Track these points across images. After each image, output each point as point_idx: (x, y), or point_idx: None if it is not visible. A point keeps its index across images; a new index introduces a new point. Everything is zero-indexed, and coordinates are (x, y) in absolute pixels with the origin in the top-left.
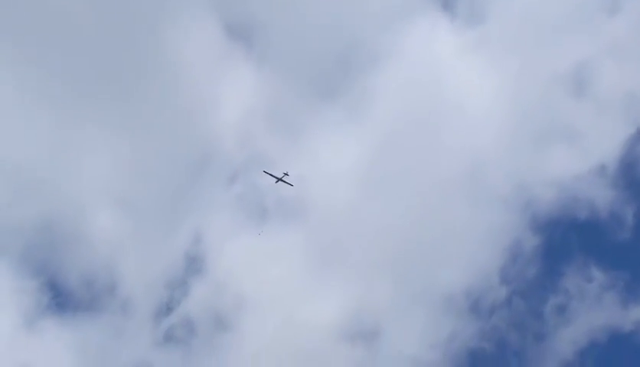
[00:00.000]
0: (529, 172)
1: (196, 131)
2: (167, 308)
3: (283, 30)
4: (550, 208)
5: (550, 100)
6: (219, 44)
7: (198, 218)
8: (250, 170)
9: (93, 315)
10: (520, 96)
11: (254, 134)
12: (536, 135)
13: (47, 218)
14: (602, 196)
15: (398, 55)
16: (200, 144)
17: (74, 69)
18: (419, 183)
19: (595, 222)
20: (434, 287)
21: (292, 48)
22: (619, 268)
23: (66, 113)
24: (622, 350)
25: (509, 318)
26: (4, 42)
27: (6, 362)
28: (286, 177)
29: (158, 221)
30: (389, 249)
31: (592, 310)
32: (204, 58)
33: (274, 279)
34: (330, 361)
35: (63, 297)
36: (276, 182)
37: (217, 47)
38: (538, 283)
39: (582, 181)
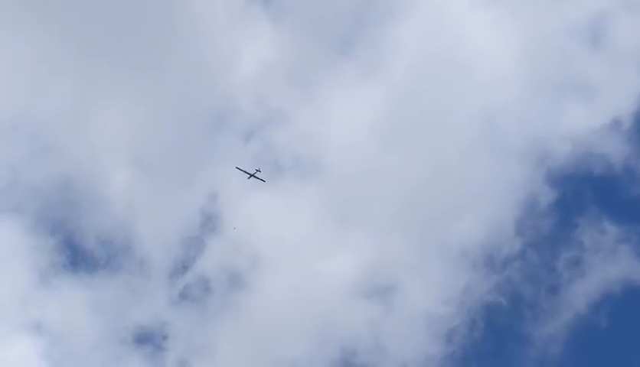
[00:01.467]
0: (544, 126)
1: (212, 89)
2: (182, 267)
3: None
4: (565, 162)
5: (565, 54)
6: (236, 0)
7: (214, 176)
8: (266, 127)
9: (108, 274)
10: (536, 50)
11: (270, 90)
12: (551, 89)
13: (63, 177)
14: (617, 151)
15: (414, 9)
16: (216, 101)
17: (89, 28)
18: (434, 138)
19: (610, 177)
20: (449, 242)
21: (308, 3)
22: (634, 222)
23: (81, 72)
24: (635, 302)
25: (523, 271)
26: (19, 2)
27: (21, 320)
28: (258, 173)
29: (173, 179)
30: (404, 205)
31: (606, 263)
32: (221, 15)
33: (289, 236)
34: (345, 317)
35: (78, 255)
36: (249, 178)
37: (233, 3)
38: (553, 236)
39: (597, 135)
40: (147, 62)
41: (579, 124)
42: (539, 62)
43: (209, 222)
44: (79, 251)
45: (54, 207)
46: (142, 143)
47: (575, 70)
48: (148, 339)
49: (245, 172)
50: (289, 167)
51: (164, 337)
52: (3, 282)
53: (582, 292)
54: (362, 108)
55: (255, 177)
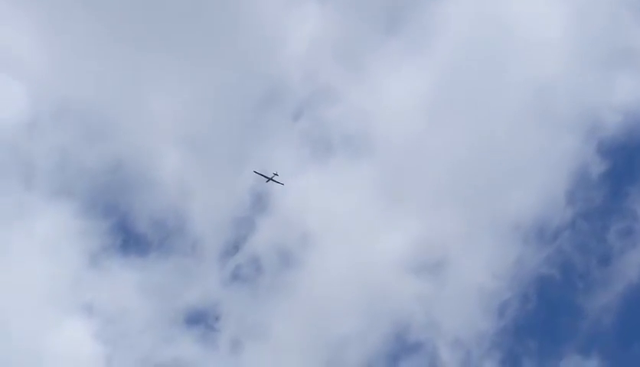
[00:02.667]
0: (595, 97)
1: (261, 68)
2: (233, 247)
3: None
4: (616, 133)
5: (617, 23)
6: None
7: (264, 155)
8: (315, 105)
9: (160, 256)
10: (586, 20)
11: (319, 68)
12: (602, 60)
13: (114, 159)
14: None
15: None
16: (265, 80)
17: (139, 9)
18: (485, 112)
19: None
20: (500, 216)
21: None
22: None
23: (132, 53)
24: None
25: (575, 242)
26: None
27: (73, 302)
28: (276, 177)
29: (224, 159)
30: (455, 180)
31: None
32: None
33: (340, 214)
34: (397, 293)
35: (130, 238)
36: (267, 181)
37: None
38: (604, 207)
39: None
40: (196, 42)
41: (631, 94)
42: (590, 32)
43: (259, 202)
44: (130, 233)
45: (106, 189)
46: (192, 123)
47: (626, 40)
48: (200, 320)
49: (263, 176)
50: (339, 144)
51: (217, 318)
52: (55, 265)
53: (633, 262)
54: (410, 84)
55: (273, 180)
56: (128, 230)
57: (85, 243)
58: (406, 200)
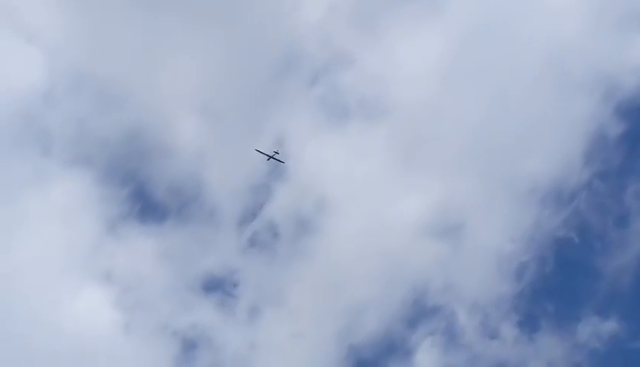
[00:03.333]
0: (612, 59)
1: (277, 34)
2: (251, 214)
3: None
4: (634, 94)
5: None
6: None
7: (280, 121)
8: (331, 70)
9: (177, 223)
10: None
11: (335, 34)
12: (619, 21)
13: (130, 127)
14: None
15: None
16: (281, 46)
17: None
18: (500, 75)
19: None
20: (517, 179)
21: None
22: None
23: (147, 21)
24: None
25: (592, 204)
26: None
27: (91, 270)
28: (277, 155)
29: (240, 126)
30: (471, 144)
31: None
32: None
33: (357, 180)
34: (414, 258)
35: (148, 205)
36: (268, 160)
37: None
38: (621, 168)
39: None
40: (212, 9)
41: None
42: None
43: (276, 168)
44: (148, 200)
45: (123, 158)
46: (208, 91)
47: None
48: (218, 287)
49: (264, 154)
50: (355, 109)
51: (235, 285)
52: (73, 233)
53: None
54: (426, 47)
55: (274, 158)
56: (146, 198)
57: (102, 211)
58: (423, 164)
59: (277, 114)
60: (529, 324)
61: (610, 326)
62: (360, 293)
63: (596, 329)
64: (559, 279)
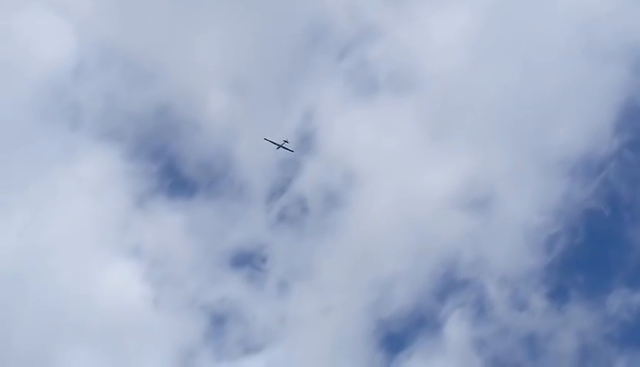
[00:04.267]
0: None
1: (306, 7)
2: (280, 189)
3: None
4: None
5: None
6: None
7: (309, 95)
8: (360, 43)
9: (206, 198)
10: None
11: (364, 6)
12: None
13: (160, 103)
14: None
15: None
16: (310, 19)
17: None
18: (530, 45)
19: None
20: (547, 150)
21: None
22: None
23: None
24: None
25: (622, 174)
26: None
27: (119, 245)
28: (286, 144)
29: (269, 100)
30: (502, 115)
31: None
32: None
33: (386, 152)
34: (443, 231)
35: (177, 181)
36: (277, 149)
37: None
38: None
39: None
40: None
41: None
42: None
43: (305, 142)
44: (177, 175)
45: (152, 133)
46: (237, 65)
47: None
48: (246, 262)
49: (274, 143)
50: (384, 82)
51: (263, 259)
52: (102, 208)
53: None
54: (455, 19)
55: (284, 147)
56: (175, 173)
57: (131, 186)
58: (452, 136)
59: (306, 88)
60: (558, 296)
61: None
62: (389, 266)
63: (626, 300)
64: (589, 251)
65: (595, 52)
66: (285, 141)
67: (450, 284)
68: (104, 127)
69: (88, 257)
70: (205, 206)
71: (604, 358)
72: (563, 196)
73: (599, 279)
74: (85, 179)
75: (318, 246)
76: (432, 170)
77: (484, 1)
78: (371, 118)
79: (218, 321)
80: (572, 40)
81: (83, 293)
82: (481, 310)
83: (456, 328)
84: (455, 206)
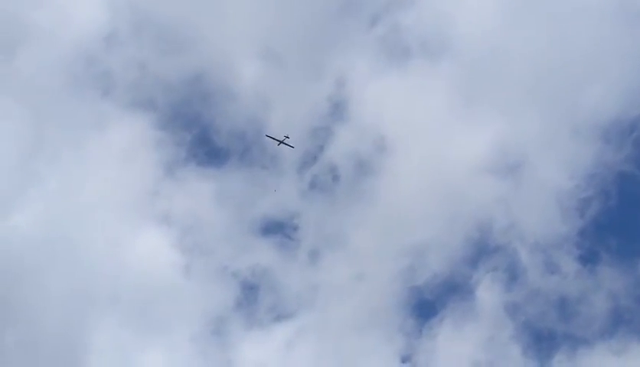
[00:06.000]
0: None
1: None
2: (312, 158)
3: None
4: None
5: None
6: None
7: (341, 63)
8: (392, 10)
9: (239, 167)
10: None
11: None
12: None
13: (193, 71)
14: None
15: None
16: None
17: None
18: (563, 10)
19: None
20: (580, 114)
21: None
22: None
23: None
24: None
25: None
26: None
27: (150, 212)
28: (287, 140)
29: (302, 69)
30: (534, 80)
31: None
32: None
33: (418, 119)
34: (475, 197)
35: (208, 149)
36: (278, 145)
37: None
38: None
39: None
40: None
41: None
42: None
43: (337, 110)
44: (209, 144)
45: (184, 101)
46: (270, 34)
47: None
48: (278, 230)
49: (275, 139)
50: (416, 49)
51: (295, 228)
52: (133, 175)
53: None
54: None
55: (284, 143)
56: (207, 141)
57: (162, 154)
58: (484, 102)
59: (338, 55)
60: (590, 259)
61: None
62: (421, 233)
63: None
64: (621, 214)
65: (626, 13)
66: (286, 137)
67: (482, 250)
68: (136, 95)
69: (119, 224)
70: (237, 175)
71: (636, 320)
72: (595, 159)
73: (631, 242)
74: (116, 146)
75: (350, 214)
76: (464, 136)
77: None
78: (403, 84)
79: (249, 289)
80: (603, 2)
81: (114, 260)
82: (513, 274)
83: (488, 293)
84: (486, 172)
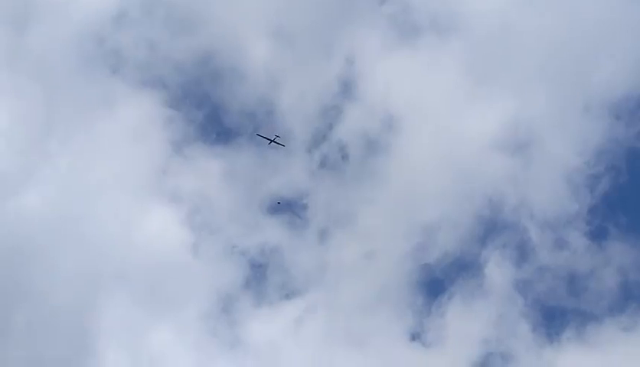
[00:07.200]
0: None
1: None
2: (322, 137)
3: None
4: None
5: None
6: None
7: (351, 41)
8: None
9: (247, 146)
10: None
11: None
12: None
13: (203, 51)
14: None
15: None
16: None
17: None
18: None
19: None
20: (590, 90)
21: None
22: None
23: None
24: None
25: None
26: None
27: (159, 190)
28: (278, 139)
29: (311, 48)
30: (544, 58)
31: None
32: None
33: (428, 96)
34: (485, 175)
35: (218, 128)
36: (269, 143)
37: None
38: None
39: None
40: None
41: None
42: None
43: (346, 89)
44: (218, 123)
45: (194, 80)
46: (279, 13)
47: None
48: (287, 209)
49: (266, 138)
50: (426, 26)
51: (304, 207)
52: (142, 153)
53: None
54: None
55: (275, 142)
56: (217, 120)
57: (173, 132)
58: (495, 79)
59: (347, 34)
60: (600, 235)
61: None
62: (431, 211)
63: None
64: (631, 190)
65: None
66: (277, 136)
67: (492, 227)
68: (145, 74)
69: (128, 202)
70: (246, 154)
71: None
72: (606, 136)
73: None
74: (125, 125)
75: (360, 193)
76: (474, 114)
77: None
78: (413, 62)
79: (258, 267)
80: None
81: (123, 238)
82: (522, 251)
83: (498, 270)
84: (496, 149)
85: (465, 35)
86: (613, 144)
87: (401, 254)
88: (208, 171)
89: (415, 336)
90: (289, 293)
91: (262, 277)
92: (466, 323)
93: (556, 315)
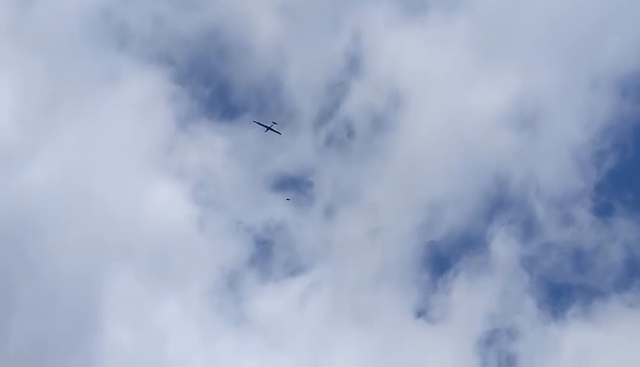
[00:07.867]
0: None
1: None
2: (328, 114)
3: None
4: None
5: None
6: None
7: (357, 17)
8: None
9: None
10: None
11: None
12: None
13: (210, 26)
14: None
15: None
16: None
17: None
18: None
19: None
20: (597, 66)
21: None
22: None
23: None
24: None
25: None
26: None
27: (165, 165)
28: (274, 126)
29: (318, 24)
30: (551, 34)
31: None
32: None
33: (434, 72)
34: (491, 151)
35: (224, 104)
36: (265, 131)
37: None
38: None
39: None
40: None
41: None
42: None
43: (353, 65)
44: (225, 99)
45: (201, 56)
46: None
47: None
48: (293, 186)
49: (262, 125)
50: (433, 2)
51: (310, 185)
52: (148, 129)
53: None
54: None
55: (271, 129)
56: (223, 96)
57: (179, 108)
58: (501, 55)
59: (354, 10)
60: (606, 211)
61: None
62: (437, 187)
63: None
64: (637, 167)
65: None
66: (274, 123)
67: (498, 203)
68: (151, 49)
69: (134, 177)
70: (252, 130)
71: None
72: (612, 112)
73: None
74: (131, 100)
75: (366, 169)
76: (481, 89)
77: None
78: (419, 38)
79: (263, 243)
80: None
81: (128, 213)
82: (528, 227)
83: (504, 247)
84: (503, 125)
85: (471, 10)
86: (620, 121)
87: (407, 230)
88: (214, 147)
89: (420, 313)
90: (295, 270)
91: (267, 254)
92: (472, 300)
93: (561, 291)
